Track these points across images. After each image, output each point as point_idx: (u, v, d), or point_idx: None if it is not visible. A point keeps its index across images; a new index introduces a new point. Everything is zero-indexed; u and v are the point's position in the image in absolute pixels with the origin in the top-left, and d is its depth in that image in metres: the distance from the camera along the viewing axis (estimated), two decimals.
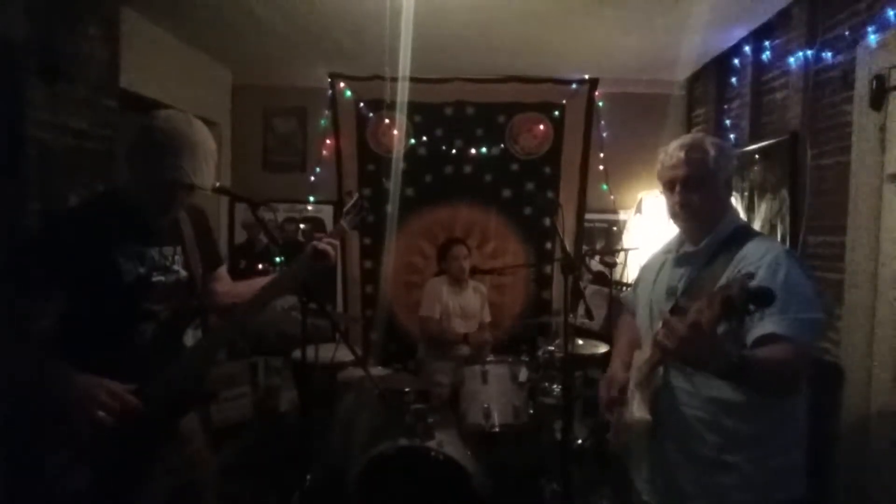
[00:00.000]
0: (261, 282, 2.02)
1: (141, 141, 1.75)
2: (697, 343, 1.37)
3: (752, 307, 1.34)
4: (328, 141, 4.83)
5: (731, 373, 1.44)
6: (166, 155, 1.69)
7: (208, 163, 1.77)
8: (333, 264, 2.07)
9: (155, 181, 1.72)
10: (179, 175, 1.70)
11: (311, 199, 4.85)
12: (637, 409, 1.70)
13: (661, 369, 1.69)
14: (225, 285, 2.12)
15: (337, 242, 2.00)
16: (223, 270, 2.15)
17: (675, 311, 1.68)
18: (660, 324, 1.49)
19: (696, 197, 1.75)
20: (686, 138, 1.83)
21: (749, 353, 1.49)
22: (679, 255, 1.84)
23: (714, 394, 1.63)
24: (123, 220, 1.76)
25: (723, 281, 1.57)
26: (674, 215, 1.83)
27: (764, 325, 1.52)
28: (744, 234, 1.75)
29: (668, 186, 1.81)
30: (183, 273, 1.87)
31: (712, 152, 1.74)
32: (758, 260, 1.61)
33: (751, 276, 1.38)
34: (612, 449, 1.93)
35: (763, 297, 1.33)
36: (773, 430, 1.63)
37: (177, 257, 1.87)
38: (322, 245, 1.94)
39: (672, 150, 1.79)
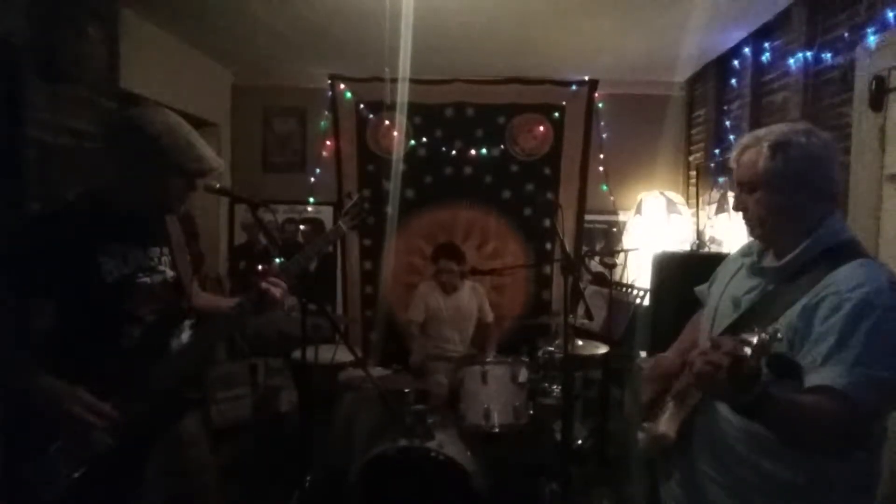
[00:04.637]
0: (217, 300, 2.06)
1: (145, 139, 1.67)
2: (714, 380, 1.19)
3: (765, 371, 1.19)
4: (328, 142, 4.84)
5: (750, 410, 1.25)
6: (189, 147, 1.69)
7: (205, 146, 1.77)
8: (283, 306, 2.01)
9: (170, 176, 1.70)
10: (202, 164, 1.71)
11: (311, 200, 4.85)
12: (664, 423, 1.54)
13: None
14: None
15: (284, 285, 1.88)
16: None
17: (733, 329, 1.48)
18: (709, 344, 1.28)
19: (753, 205, 1.47)
20: (752, 133, 1.52)
21: (782, 394, 1.25)
22: (756, 264, 1.55)
23: (753, 428, 1.36)
24: (108, 220, 1.71)
25: (797, 309, 1.36)
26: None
27: (823, 374, 1.27)
28: (842, 253, 1.40)
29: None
30: (170, 273, 1.82)
31: (770, 152, 1.42)
32: (847, 292, 1.30)
33: (776, 338, 1.19)
34: (643, 456, 1.71)
35: (781, 369, 1.19)
36: (820, 483, 1.37)
37: (164, 258, 1.82)
38: (266, 285, 1.82)
39: (735, 146, 1.53)
